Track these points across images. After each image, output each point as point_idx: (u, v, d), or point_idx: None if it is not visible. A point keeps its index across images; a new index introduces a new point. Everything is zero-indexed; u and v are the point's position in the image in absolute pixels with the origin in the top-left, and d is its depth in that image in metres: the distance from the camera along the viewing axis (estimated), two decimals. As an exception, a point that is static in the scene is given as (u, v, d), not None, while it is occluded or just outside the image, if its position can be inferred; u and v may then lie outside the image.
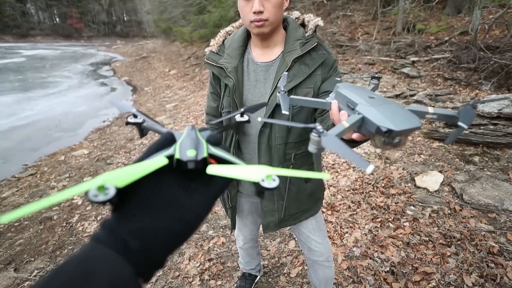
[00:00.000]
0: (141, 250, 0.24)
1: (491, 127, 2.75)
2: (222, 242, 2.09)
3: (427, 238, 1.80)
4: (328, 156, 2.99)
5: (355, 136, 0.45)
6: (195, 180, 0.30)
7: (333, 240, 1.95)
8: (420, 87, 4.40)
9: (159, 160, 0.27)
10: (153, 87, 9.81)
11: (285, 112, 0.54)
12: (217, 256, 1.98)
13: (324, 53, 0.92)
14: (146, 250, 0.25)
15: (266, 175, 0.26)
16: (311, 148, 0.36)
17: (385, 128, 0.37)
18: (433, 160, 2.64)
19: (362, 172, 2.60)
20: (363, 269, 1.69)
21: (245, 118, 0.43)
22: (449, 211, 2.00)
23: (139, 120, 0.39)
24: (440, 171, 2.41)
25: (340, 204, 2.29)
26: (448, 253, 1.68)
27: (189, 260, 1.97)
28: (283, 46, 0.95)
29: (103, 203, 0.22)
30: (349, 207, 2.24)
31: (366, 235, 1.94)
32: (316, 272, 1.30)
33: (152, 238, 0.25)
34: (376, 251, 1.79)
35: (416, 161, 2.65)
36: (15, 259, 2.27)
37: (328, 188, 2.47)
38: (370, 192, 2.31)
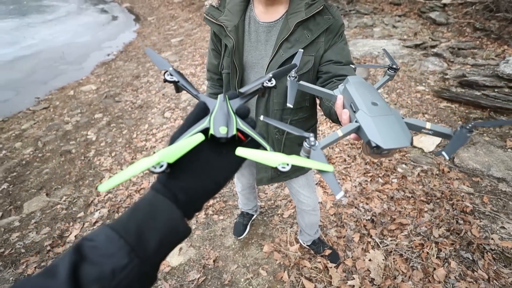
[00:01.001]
0: (186, 201, 0.34)
1: (506, 90, 2.65)
2: (225, 184, 2.33)
3: (410, 195, 1.99)
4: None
5: (352, 136, 0.47)
6: (226, 146, 0.37)
7: (325, 189, 2.15)
8: (444, 37, 4.04)
9: (197, 138, 0.34)
10: (157, 17, 9.11)
11: (289, 105, 0.51)
12: (220, 195, 2.24)
13: (330, 18, 0.87)
14: (189, 201, 0.35)
15: (282, 162, 0.33)
16: (302, 154, 0.40)
17: (374, 143, 0.39)
18: (436, 120, 2.65)
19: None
20: (347, 216, 1.92)
21: (273, 83, 0.44)
22: (437, 172, 2.13)
23: (175, 79, 0.42)
24: (440, 133, 2.45)
25: (336, 157, 2.43)
26: (426, 209, 1.88)
27: (196, 197, 2.24)
28: (288, 5, 0.90)
29: (160, 173, 0.31)
30: (345, 160, 2.39)
31: (356, 187, 2.12)
32: (303, 218, 1.51)
33: (193, 193, 0.35)
34: (362, 202, 2.00)
35: (425, 121, 2.67)
36: (45, 186, 2.60)
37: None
38: (367, 149, 2.42)
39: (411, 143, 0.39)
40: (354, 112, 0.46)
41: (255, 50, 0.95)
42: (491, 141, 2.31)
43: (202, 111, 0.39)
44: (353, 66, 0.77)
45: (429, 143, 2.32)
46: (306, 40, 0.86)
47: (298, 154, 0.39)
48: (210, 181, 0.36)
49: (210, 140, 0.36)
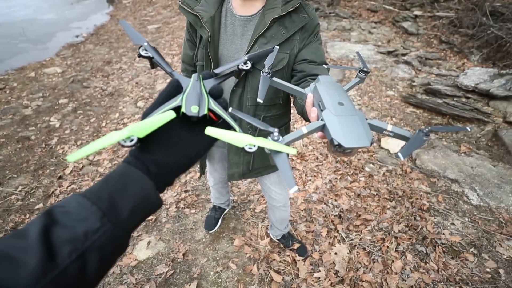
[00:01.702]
0: (158, 173, 0.35)
1: (464, 100, 2.91)
2: (198, 177, 2.29)
3: (375, 192, 2.11)
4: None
5: (318, 134, 0.47)
6: (198, 124, 0.38)
7: (297, 185, 2.21)
8: (414, 46, 4.31)
9: (168, 115, 0.35)
10: (133, 0, 8.62)
11: (259, 100, 0.50)
12: (192, 189, 2.20)
13: (306, 17, 0.88)
14: (161, 174, 0.35)
15: (249, 143, 0.34)
16: (266, 149, 0.40)
17: (337, 141, 0.40)
18: (402, 124, 2.83)
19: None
20: (316, 211, 2.00)
21: (248, 66, 0.46)
22: (400, 172, 2.29)
23: (149, 54, 0.42)
24: (405, 136, 2.63)
25: (309, 155, 2.50)
26: (388, 206, 2.01)
27: (167, 190, 2.18)
28: (265, 0, 0.90)
29: (129, 147, 0.32)
30: (317, 158, 2.47)
31: (326, 184, 2.21)
32: (274, 213, 1.54)
33: (164, 166, 0.36)
34: (331, 198, 2.09)
35: (387, 123, 2.83)
36: (-3, 174, 2.37)
37: (302, 139, 2.64)
38: (339, 148, 2.52)
39: (372, 144, 0.41)
40: (322, 110, 0.48)
41: (231, 43, 0.93)
42: (448, 146, 2.52)
43: (174, 89, 0.39)
44: (326, 67, 0.79)
45: (394, 145, 2.48)
46: (281, 37, 0.87)
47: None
48: (182, 156, 0.37)
49: (183, 119, 0.37)
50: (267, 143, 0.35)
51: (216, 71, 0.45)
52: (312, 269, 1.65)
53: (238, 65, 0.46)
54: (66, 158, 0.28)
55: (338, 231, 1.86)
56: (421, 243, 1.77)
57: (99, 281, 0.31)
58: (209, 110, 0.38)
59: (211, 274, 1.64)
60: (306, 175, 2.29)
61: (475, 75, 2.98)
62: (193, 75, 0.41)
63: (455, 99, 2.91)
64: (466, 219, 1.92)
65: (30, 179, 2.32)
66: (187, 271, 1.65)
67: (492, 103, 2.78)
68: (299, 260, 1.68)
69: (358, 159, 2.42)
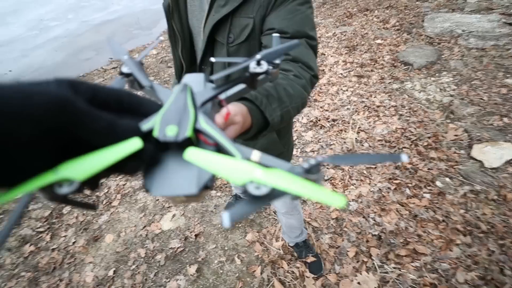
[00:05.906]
0: None
1: None
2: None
3: (441, 218, 1.54)
4: (377, 95, 2.50)
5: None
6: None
7: (336, 188, 1.86)
8: None
9: (129, 146, 0.21)
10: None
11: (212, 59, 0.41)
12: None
13: None
14: None
15: (254, 178, 0.20)
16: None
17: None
18: (521, 129, 1.92)
19: (408, 124, 2.15)
20: (350, 225, 1.63)
21: (263, 68, 0.30)
22: (494, 197, 1.58)
23: (130, 71, 0.33)
24: (521, 146, 1.78)
25: (362, 153, 2.05)
26: (458, 242, 1.43)
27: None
28: None
29: (65, 196, 0.19)
30: (373, 160, 1.99)
31: (373, 193, 1.77)
32: (281, 218, 1.34)
33: None
34: (375, 213, 1.66)
35: (492, 124, 1.98)
36: None
37: (358, 133, 2.18)
38: (404, 149, 1.95)
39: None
40: None
41: (200, 11, 0.76)
42: None
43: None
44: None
45: (494, 156, 1.72)
46: None
47: (255, 147, 0.27)
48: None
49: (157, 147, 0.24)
50: (286, 179, 0.20)
51: (214, 77, 0.32)
52: (322, 292, 1.37)
53: (249, 68, 0.30)
54: None
55: (371, 256, 1.47)
56: (501, 309, 1.19)
57: None
58: (197, 131, 0.25)
59: (215, 262, 1.60)
60: (350, 177, 1.89)
61: None
62: (176, 85, 0.30)
63: None
64: None
65: None
66: (194, 253, 1.66)
67: None
68: (308, 277, 1.42)
69: (428, 168, 1.81)
